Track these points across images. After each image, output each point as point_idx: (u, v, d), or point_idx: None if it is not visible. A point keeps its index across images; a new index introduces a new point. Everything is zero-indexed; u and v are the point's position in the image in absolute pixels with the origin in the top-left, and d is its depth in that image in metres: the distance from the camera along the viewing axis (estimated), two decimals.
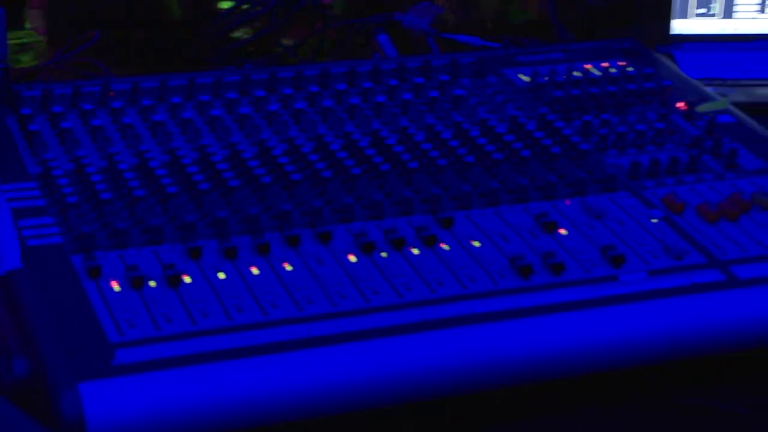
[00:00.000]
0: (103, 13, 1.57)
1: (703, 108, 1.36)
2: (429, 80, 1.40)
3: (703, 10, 1.72)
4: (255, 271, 1.05)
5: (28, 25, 1.64)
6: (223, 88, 1.35)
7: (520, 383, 1.01)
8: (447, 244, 1.10)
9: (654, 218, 1.15)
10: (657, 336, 1.02)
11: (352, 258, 1.07)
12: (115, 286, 1.02)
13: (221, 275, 1.04)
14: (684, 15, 1.72)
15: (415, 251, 1.09)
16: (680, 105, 1.37)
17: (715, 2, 1.71)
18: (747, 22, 1.72)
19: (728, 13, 1.72)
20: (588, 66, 1.45)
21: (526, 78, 1.42)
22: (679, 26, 1.73)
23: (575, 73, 1.42)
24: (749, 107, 1.41)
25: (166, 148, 1.22)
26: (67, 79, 1.39)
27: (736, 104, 1.40)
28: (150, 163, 1.17)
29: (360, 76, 1.40)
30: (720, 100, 1.38)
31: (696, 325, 1.03)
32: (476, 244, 1.10)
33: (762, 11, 1.72)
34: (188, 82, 1.33)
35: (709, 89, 1.43)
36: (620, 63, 1.46)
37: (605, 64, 1.45)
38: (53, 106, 1.28)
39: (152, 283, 1.03)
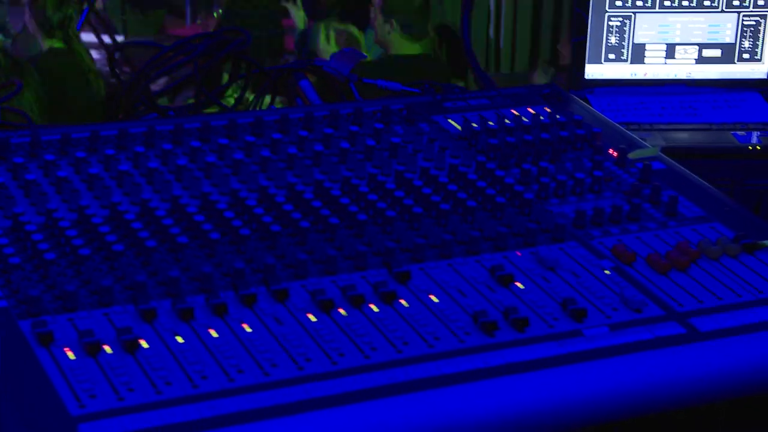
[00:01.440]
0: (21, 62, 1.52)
1: (634, 155, 1.37)
2: (362, 127, 1.38)
3: (613, 56, 1.74)
4: (214, 333, 1.01)
5: None
6: (157, 138, 1.31)
7: None
8: (406, 300, 1.08)
9: (606, 269, 1.15)
10: (625, 391, 1.02)
11: (312, 317, 1.05)
12: (70, 354, 0.97)
13: (179, 339, 1.00)
14: (597, 60, 1.74)
15: (375, 308, 1.07)
16: (611, 152, 1.38)
17: (625, 48, 1.74)
18: (656, 67, 1.75)
19: (638, 58, 1.75)
20: (515, 112, 1.45)
21: (457, 126, 1.42)
22: (592, 71, 1.75)
23: (506, 121, 1.42)
24: (667, 151, 1.44)
25: (106, 202, 1.18)
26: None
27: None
28: (92, 219, 1.13)
29: (294, 124, 1.37)
30: (650, 147, 1.40)
31: (662, 380, 1.03)
32: (435, 299, 1.09)
33: (670, 57, 1.75)
34: (119, 132, 1.29)
35: (633, 135, 1.45)
36: (546, 109, 1.47)
37: (532, 111, 1.46)
38: None
39: (108, 349, 0.98)
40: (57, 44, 1.76)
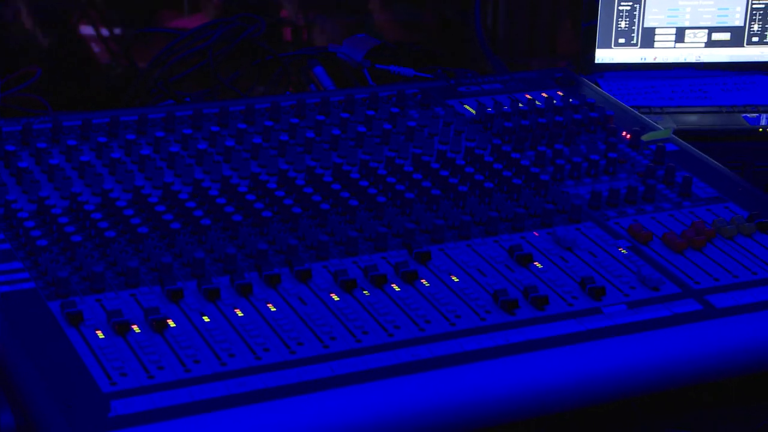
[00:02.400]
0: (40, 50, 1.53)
1: (647, 137, 1.39)
2: (378, 112, 1.39)
3: (623, 40, 1.76)
4: (239, 313, 1.03)
5: None
6: (176, 123, 1.32)
7: (512, 419, 1.01)
8: (427, 279, 1.10)
9: (623, 248, 1.17)
10: (644, 367, 1.03)
11: (335, 297, 1.06)
12: (99, 333, 0.99)
13: (206, 318, 1.02)
14: (607, 45, 1.75)
15: (397, 288, 1.08)
16: (625, 134, 1.40)
17: (635, 33, 1.75)
18: (665, 51, 1.76)
19: (647, 42, 1.76)
20: (529, 96, 1.47)
21: (471, 110, 1.43)
22: (602, 55, 1.76)
23: (520, 104, 1.43)
24: (679, 134, 1.45)
25: (129, 186, 1.19)
26: (8, 116, 1.35)
27: None
28: (116, 203, 1.14)
29: (310, 109, 1.39)
30: (662, 129, 1.42)
31: (680, 355, 1.05)
32: (455, 279, 1.10)
33: (679, 40, 1.76)
34: (139, 118, 1.31)
35: (646, 118, 1.47)
36: (559, 93, 1.48)
37: (545, 95, 1.47)
38: (6, 145, 1.24)
39: (136, 329, 1.00)
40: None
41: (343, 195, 1.19)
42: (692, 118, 1.66)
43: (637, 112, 1.47)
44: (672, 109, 1.68)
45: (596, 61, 1.75)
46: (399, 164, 1.26)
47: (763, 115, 1.66)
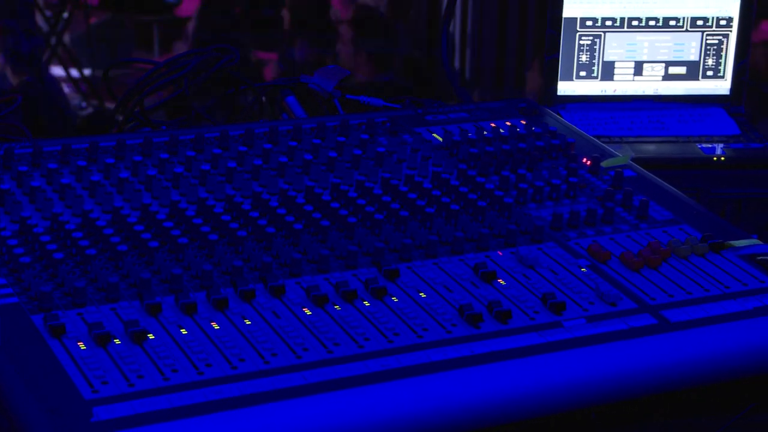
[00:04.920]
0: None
1: (607, 163, 1.45)
2: (349, 138, 1.45)
3: (584, 73, 1.82)
4: (216, 326, 1.08)
5: None
6: (154, 148, 1.37)
7: (477, 427, 1.05)
8: (395, 295, 1.15)
9: (582, 267, 1.22)
10: (602, 378, 1.09)
11: (307, 311, 1.11)
12: (81, 345, 1.03)
13: (183, 331, 1.06)
14: (569, 77, 1.82)
15: (367, 303, 1.13)
16: (585, 160, 1.46)
17: (596, 66, 1.81)
18: (625, 83, 1.83)
19: (607, 75, 1.83)
20: (493, 125, 1.53)
21: (438, 137, 1.49)
22: (564, 87, 1.82)
23: (485, 132, 1.49)
24: (637, 162, 1.51)
25: (108, 207, 1.24)
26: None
27: None
28: (96, 222, 1.19)
29: (283, 135, 1.44)
30: (621, 156, 1.47)
31: (635, 367, 1.10)
32: (422, 294, 1.15)
33: (638, 74, 1.83)
34: (117, 143, 1.35)
35: (607, 146, 1.52)
36: (522, 122, 1.54)
37: (509, 123, 1.53)
38: None
39: (117, 341, 1.04)
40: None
41: (316, 216, 1.24)
42: (650, 148, 1.73)
43: (597, 141, 1.53)
44: (631, 139, 1.74)
45: (559, 93, 1.81)
46: (369, 187, 1.31)
47: (718, 145, 1.73)
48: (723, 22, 1.81)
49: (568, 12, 1.79)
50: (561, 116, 1.78)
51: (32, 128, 1.54)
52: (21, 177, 1.28)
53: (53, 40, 3.82)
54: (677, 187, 1.44)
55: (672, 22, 1.81)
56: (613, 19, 1.80)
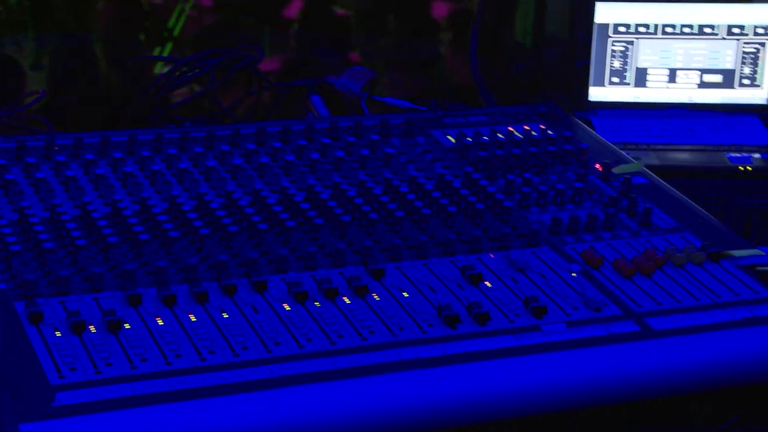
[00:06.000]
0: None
1: (618, 169, 1.43)
2: (360, 139, 1.46)
3: (616, 79, 1.80)
4: (193, 318, 1.09)
5: None
6: (164, 144, 1.39)
7: (445, 426, 1.05)
8: (378, 294, 1.15)
9: (573, 272, 1.21)
10: (576, 383, 1.08)
11: (287, 307, 1.12)
12: (57, 332, 1.05)
13: (160, 321, 1.08)
14: (600, 83, 1.80)
15: (348, 301, 1.14)
16: (597, 166, 1.44)
17: (628, 72, 1.80)
18: (658, 91, 1.81)
19: (640, 82, 1.81)
20: (510, 128, 1.52)
21: (452, 139, 1.49)
22: (595, 93, 1.81)
23: (499, 135, 1.48)
24: (661, 170, 1.49)
25: (108, 200, 1.26)
26: (13, 135, 1.43)
27: (649, 167, 1.48)
28: (92, 214, 1.22)
29: (295, 134, 1.45)
30: (634, 162, 1.46)
31: (613, 373, 1.09)
32: (405, 294, 1.16)
33: (672, 81, 1.81)
34: (129, 138, 1.38)
35: (624, 152, 1.51)
36: (541, 126, 1.53)
37: (527, 127, 1.52)
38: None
39: (93, 329, 1.06)
40: None
41: (310, 214, 1.25)
42: (677, 155, 1.70)
43: (614, 147, 1.52)
44: (659, 147, 1.72)
45: (590, 99, 1.80)
46: (369, 187, 1.32)
47: (747, 155, 1.70)
48: (761, 31, 1.78)
49: (600, 17, 1.77)
50: (591, 122, 1.77)
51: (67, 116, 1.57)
52: (29, 168, 1.31)
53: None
54: (703, 196, 1.42)
55: (707, 30, 1.78)
56: (647, 26, 1.78)
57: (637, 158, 1.46)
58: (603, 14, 1.78)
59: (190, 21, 2.33)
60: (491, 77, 1.89)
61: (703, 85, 1.80)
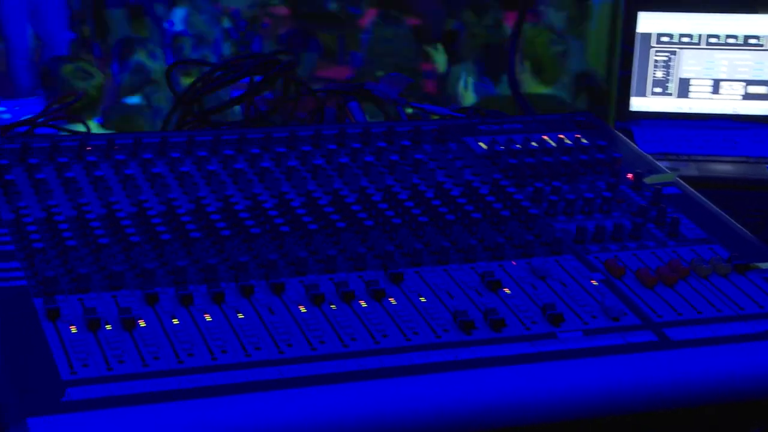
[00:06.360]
0: None
1: (651, 180, 1.42)
2: (392, 144, 1.46)
3: (659, 90, 1.79)
4: (208, 317, 1.10)
5: None
6: (195, 147, 1.41)
7: None
8: (395, 298, 1.15)
9: (594, 281, 1.20)
10: (591, 392, 1.07)
11: (302, 309, 1.13)
12: (73, 328, 1.07)
13: (175, 321, 1.09)
14: (642, 93, 1.79)
15: (364, 304, 1.14)
16: (629, 176, 1.43)
17: (671, 82, 1.78)
18: (701, 102, 1.79)
19: (683, 93, 1.79)
20: (544, 137, 1.51)
21: (484, 146, 1.48)
22: (637, 104, 1.79)
23: (531, 143, 1.48)
24: (700, 181, 1.48)
25: (134, 200, 1.28)
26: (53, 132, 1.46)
27: (688, 178, 1.46)
28: (117, 213, 1.23)
29: (326, 139, 1.46)
30: (668, 173, 1.44)
31: (628, 383, 1.08)
32: (423, 299, 1.15)
33: (716, 92, 1.79)
34: (161, 140, 1.40)
35: (661, 163, 1.49)
36: (576, 135, 1.52)
37: (561, 136, 1.52)
38: (30, 158, 1.34)
39: (108, 326, 1.08)
40: None
41: (333, 217, 1.26)
42: (718, 167, 1.68)
43: (650, 158, 1.50)
44: (700, 158, 1.70)
45: (632, 109, 1.79)
46: (395, 192, 1.32)
47: None
48: None
49: (642, 27, 1.76)
50: (632, 132, 1.76)
51: None
52: (61, 168, 1.33)
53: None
54: (741, 208, 1.40)
55: (752, 41, 1.76)
56: (690, 36, 1.76)
57: (674, 169, 1.44)
58: (646, 24, 1.76)
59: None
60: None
61: (747, 96, 1.78)
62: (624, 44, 1.75)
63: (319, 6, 5.30)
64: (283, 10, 5.42)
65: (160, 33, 5.10)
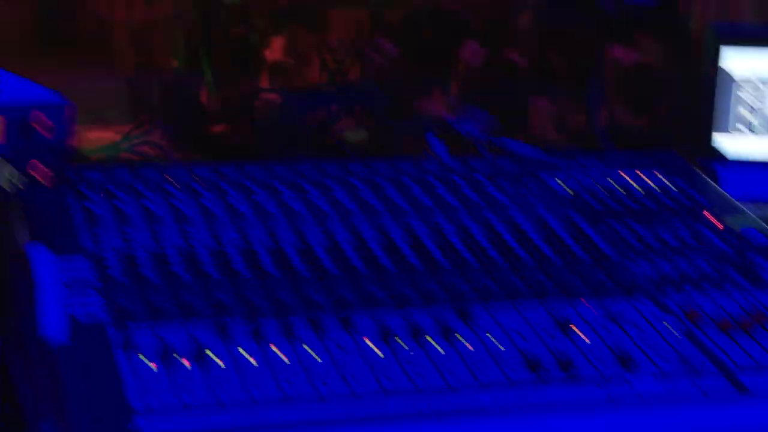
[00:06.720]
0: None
1: (734, 224, 1.40)
2: (469, 181, 1.46)
3: (744, 127, 1.76)
4: (278, 352, 1.11)
5: None
6: (275, 180, 1.42)
7: None
8: (464, 336, 1.15)
9: (669, 325, 1.19)
10: None
11: (369, 343, 1.13)
12: (146, 359, 1.08)
13: (245, 354, 1.10)
14: (725, 130, 1.76)
15: (432, 341, 1.14)
16: (712, 219, 1.41)
17: (758, 120, 1.75)
18: None
19: None
20: (625, 176, 1.50)
21: (562, 183, 1.48)
22: (721, 141, 1.77)
23: (611, 182, 1.47)
24: None
25: (214, 234, 1.29)
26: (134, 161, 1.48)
27: None
28: (195, 249, 1.25)
29: (403, 173, 1.46)
30: (753, 218, 1.42)
31: (699, 430, 1.06)
32: (491, 338, 1.15)
33: None
34: (240, 172, 1.41)
35: (747, 207, 1.46)
36: (657, 174, 1.51)
37: (642, 175, 1.50)
38: (111, 187, 1.37)
39: (182, 359, 1.09)
40: None
41: (407, 254, 1.26)
42: None
43: (734, 201, 1.47)
44: None
45: (714, 146, 1.76)
46: (467, 226, 1.32)
47: None
48: None
49: (728, 63, 1.73)
50: (716, 171, 1.73)
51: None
52: (140, 198, 1.35)
53: None
54: None
55: None
56: None
57: (762, 216, 1.42)
58: (731, 59, 1.74)
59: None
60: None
61: None
62: (707, 79, 1.73)
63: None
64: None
65: None
